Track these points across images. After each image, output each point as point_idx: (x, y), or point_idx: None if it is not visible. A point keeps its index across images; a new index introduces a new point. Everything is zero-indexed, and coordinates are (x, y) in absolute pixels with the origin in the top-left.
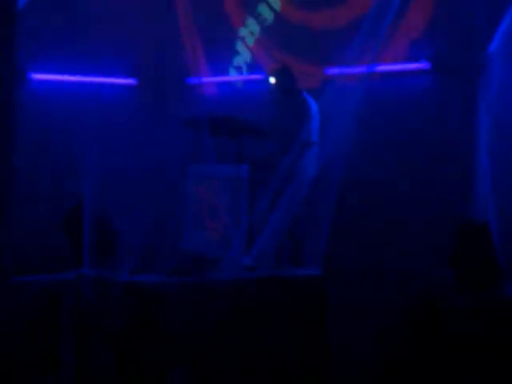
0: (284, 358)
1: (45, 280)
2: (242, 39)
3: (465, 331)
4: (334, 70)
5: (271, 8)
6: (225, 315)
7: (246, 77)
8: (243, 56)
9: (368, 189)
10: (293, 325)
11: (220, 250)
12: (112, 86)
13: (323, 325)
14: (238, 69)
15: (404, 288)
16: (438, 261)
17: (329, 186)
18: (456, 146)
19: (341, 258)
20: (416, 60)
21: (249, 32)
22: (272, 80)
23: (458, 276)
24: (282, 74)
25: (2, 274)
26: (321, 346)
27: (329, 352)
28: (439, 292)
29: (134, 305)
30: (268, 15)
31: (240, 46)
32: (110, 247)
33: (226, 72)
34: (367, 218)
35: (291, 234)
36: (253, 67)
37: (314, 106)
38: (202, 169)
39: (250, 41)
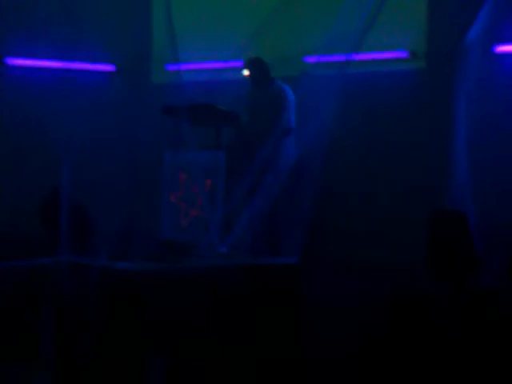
0: (260, 346)
1: (21, 265)
2: None
3: (445, 320)
4: (312, 58)
5: None
6: (200, 302)
7: (227, 64)
8: None
9: (347, 177)
10: (268, 313)
11: (196, 236)
12: (90, 72)
13: (299, 313)
14: None
15: (382, 278)
16: (417, 250)
17: (308, 175)
18: (434, 135)
19: (319, 248)
20: (394, 49)
21: None
22: (246, 72)
23: (434, 265)
24: (255, 64)
25: None
26: (295, 335)
27: (302, 342)
28: (418, 281)
29: (110, 291)
30: None
31: None
32: (86, 234)
33: (205, 59)
34: (345, 207)
35: (269, 222)
36: (234, 54)
37: (290, 93)
38: (178, 155)
39: None
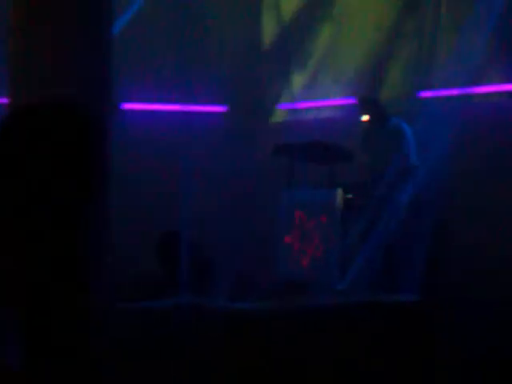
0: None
1: (143, 307)
2: None
3: None
4: (427, 93)
5: None
6: (318, 340)
7: (339, 101)
8: None
9: (472, 213)
10: (385, 350)
11: (314, 274)
12: (203, 113)
13: (418, 350)
14: None
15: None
16: None
17: (426, 211)
18: None
19: (442, 284)
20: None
21: None
22: (364, 117)
23: None
24: (371, 105)
25: (106, 300)
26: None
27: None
28: None
29: (233, 332)
30: None
31: None
32: (205, 273)
33: (318, 97)
34: (466, 242)
35: (388, 259)
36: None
37: (408, 131)
38: (294, 194)
39: None
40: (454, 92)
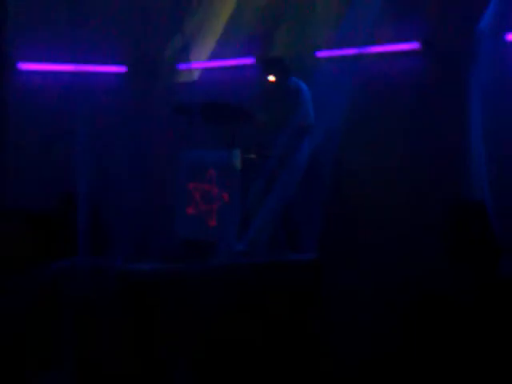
0: (280, 343)
1: (40, 268)
2: None
3: (472, 313)
4: (324, 53)
5: None
6: (220, 301)
7: (236, 61)
8: None
9: (361, 172)
10: (288, 310)
11: (213, 235)
12: (102, 74)
13: (318, 309)
14: None
15: (400, 274)
16: (434, 243)
17: (322, 171)
18: (448, 127)
19: (337, 243)
20: (407, 41)
21: None
22: (271, 78)
23: (454, 257)
24: (280, 66)
25: None
26: (314, 330)
27: (322, 337)
28: (440, 275)
29: (130, 293)
30: None
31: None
32: (104, 235)
33: (216, 56)
34: (360, 201)
35: (286, 219)
36: (243, 51)
37: (306, 90)
38: (193, 155)
39: None
40: (349, 52)
